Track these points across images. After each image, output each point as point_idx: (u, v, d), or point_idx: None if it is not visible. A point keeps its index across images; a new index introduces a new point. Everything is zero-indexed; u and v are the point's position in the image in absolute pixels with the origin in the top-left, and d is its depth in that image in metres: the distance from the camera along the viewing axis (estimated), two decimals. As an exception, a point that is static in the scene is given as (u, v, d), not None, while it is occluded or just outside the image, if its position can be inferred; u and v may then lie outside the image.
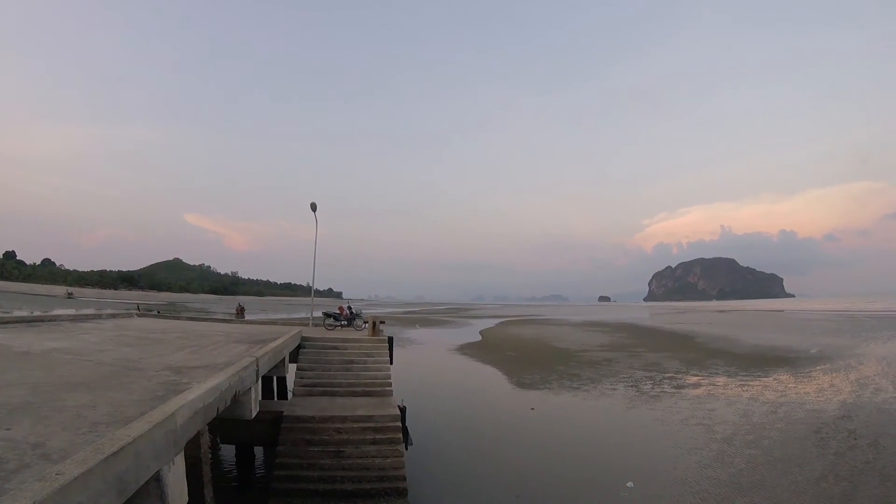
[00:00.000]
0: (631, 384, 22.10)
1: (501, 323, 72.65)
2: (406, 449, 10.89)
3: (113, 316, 20.07)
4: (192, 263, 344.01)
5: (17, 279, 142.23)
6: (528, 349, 36.82)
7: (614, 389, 21.03)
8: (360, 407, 11.75)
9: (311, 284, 25.34)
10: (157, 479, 4.14)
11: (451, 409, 17.80)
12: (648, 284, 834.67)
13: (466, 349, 37.05)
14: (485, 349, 37.10)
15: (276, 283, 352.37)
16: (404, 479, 9.86)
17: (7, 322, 14.21)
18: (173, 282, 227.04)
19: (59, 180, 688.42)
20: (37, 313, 19.69)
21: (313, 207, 22.37)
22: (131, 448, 3.67)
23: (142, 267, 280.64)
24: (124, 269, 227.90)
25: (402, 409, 11.66)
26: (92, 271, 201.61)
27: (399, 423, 11.08)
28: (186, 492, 4.72)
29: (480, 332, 53.61)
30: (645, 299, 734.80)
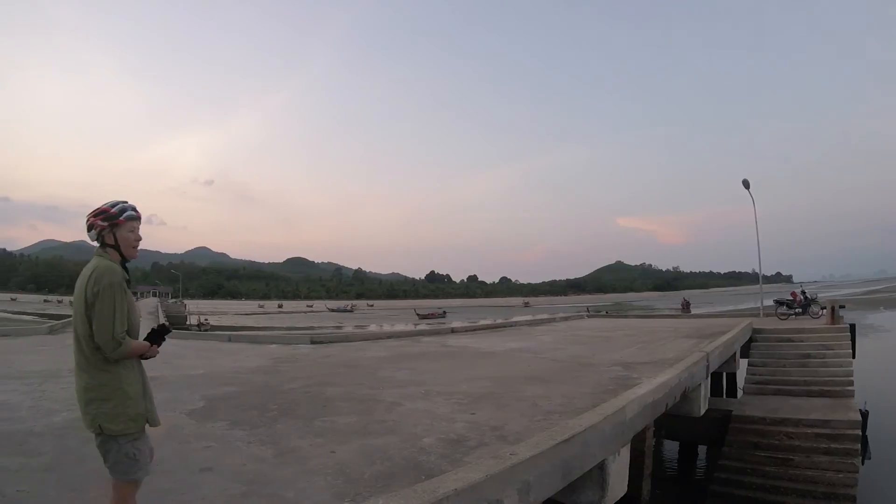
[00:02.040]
0: None
1: None
2: (862, 463, 9.16)
3: (565, 319, 23.57)
4: (632, 264, 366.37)
5: (479, 296, 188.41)
6: None
7: None
8: (815, 409, 10.22)
9: (756, 271, 23.17)
10: (600, 467, 4.34)
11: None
12: None
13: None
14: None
15: (718, 274, 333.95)
16: (854, 498, 8.04)
17: (475, 329, 18.60)
18: (617, 283, 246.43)
19: (497, 214, 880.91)
20: (499, 321, 24.79)
21: (745, 184, 20.43)
22: (580, 437, 3.95)
23: (586, 273, 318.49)
24: (571, 277, 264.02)
25: (864, 415, 9.98)
26: (543, 282, 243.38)
27: (858, 431, 9.20)
28: (626, 482, 4.81)
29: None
30: None
